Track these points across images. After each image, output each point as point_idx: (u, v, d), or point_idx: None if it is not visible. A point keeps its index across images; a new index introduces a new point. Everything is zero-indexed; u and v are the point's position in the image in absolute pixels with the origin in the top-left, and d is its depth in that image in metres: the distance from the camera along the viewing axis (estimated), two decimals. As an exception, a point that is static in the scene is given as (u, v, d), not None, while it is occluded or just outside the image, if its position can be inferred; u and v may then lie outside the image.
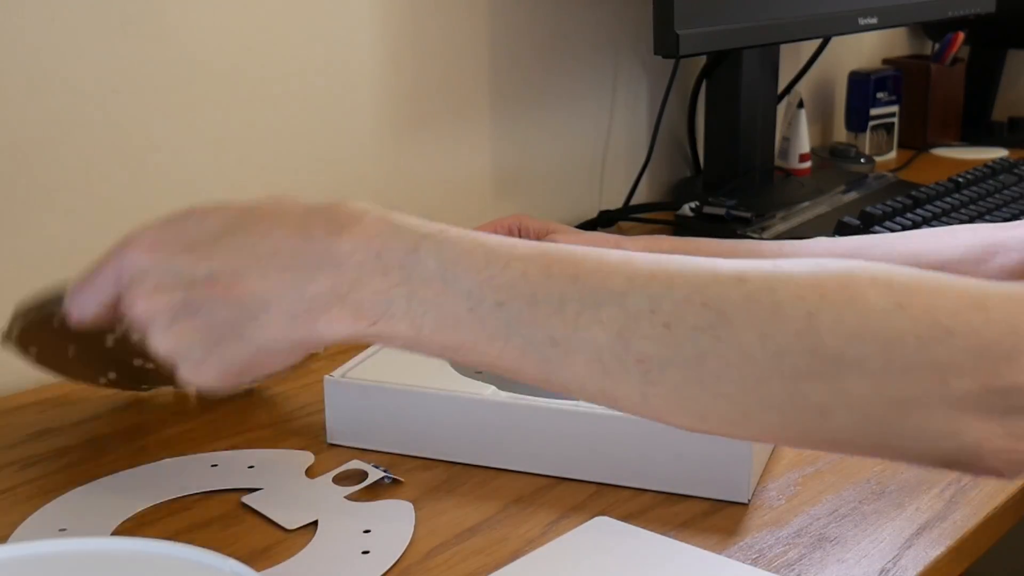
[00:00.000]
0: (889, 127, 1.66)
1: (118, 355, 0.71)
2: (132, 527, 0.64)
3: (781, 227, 1.18)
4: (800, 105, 1.44)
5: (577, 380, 0.48)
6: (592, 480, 0.68)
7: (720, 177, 1.35)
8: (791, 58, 1.47)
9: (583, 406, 0.68)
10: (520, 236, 0.91)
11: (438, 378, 0.73)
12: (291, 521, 0.64)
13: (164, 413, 0.79)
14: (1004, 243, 0.78)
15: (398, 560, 0.60)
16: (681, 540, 0.59)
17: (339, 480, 0.68)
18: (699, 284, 0.47)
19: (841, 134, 1.70)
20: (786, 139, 1.45)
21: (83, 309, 0.56)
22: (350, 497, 0.66)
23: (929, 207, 1.17)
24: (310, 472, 0.70)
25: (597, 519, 0.60)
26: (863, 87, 1.63)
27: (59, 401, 0.81)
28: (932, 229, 0.89)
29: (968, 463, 0.46)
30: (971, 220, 1.17)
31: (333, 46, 1.04)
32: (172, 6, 0.91)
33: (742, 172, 1.34)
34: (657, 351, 0.47)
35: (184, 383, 0.54)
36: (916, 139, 1.71)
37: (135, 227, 0.54)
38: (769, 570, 0.59)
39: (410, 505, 0.65)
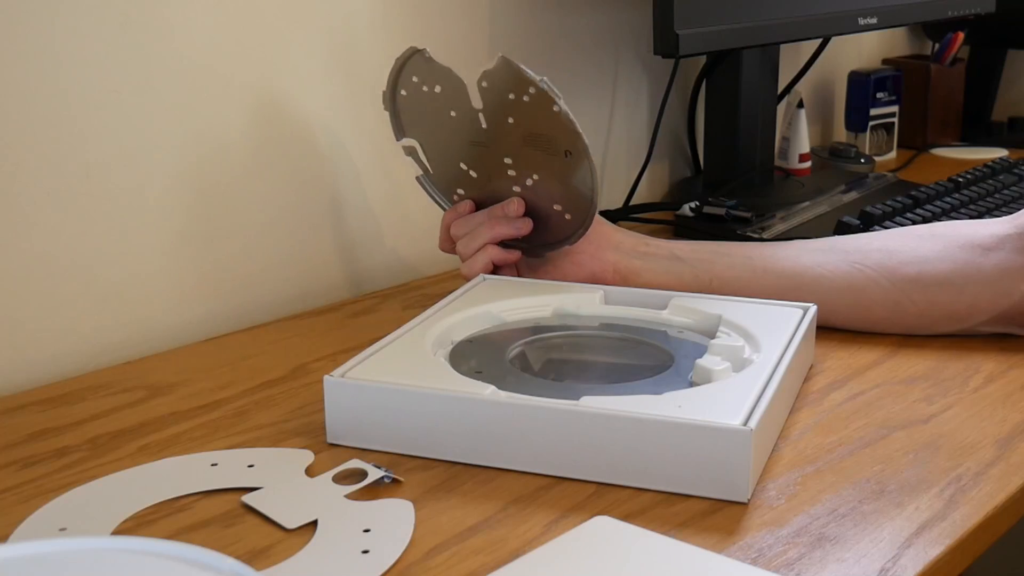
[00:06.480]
0: (889, 127, 1.66)
1: None
2: (132, 527, 0.64)
3: (781, 227, 1.18)
4: (800, 105, 1.44)
5: None
6: (592, 480, 0.68)
7: (720, 177, 1.35)
8: (791, 58, 1.47)
9: (583, 406, 0.68)
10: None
11: (438, 378, 0.73)
12: (291, 520, 0.64)
13: (164, 413, 0.79)
14: None
15: (398, 560, 0.60)
16: (681, 540, 0.59)
17: (339, 479, 0.68)
18: None
19: (841, 134, 1.70)
20: (786, 139, 1.45)
21: None
22: (350, 496, 0.66)
23: (929, 207, 1.17)
24: (310, 471, 0.70)
25: (597, 519, 0.60)
26: (863, 87, 1.63)
27: (59, 401, 0.81)
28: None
29: None
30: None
31: (335, 46, 1.04)
32: (172, 6, 0.91)
33: (742, 172, 1.34)
34: None
35: None
36: (916, 139, 1.71)
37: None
38: (769, 570, 0.59)
39: (410, 505, 0.65)
